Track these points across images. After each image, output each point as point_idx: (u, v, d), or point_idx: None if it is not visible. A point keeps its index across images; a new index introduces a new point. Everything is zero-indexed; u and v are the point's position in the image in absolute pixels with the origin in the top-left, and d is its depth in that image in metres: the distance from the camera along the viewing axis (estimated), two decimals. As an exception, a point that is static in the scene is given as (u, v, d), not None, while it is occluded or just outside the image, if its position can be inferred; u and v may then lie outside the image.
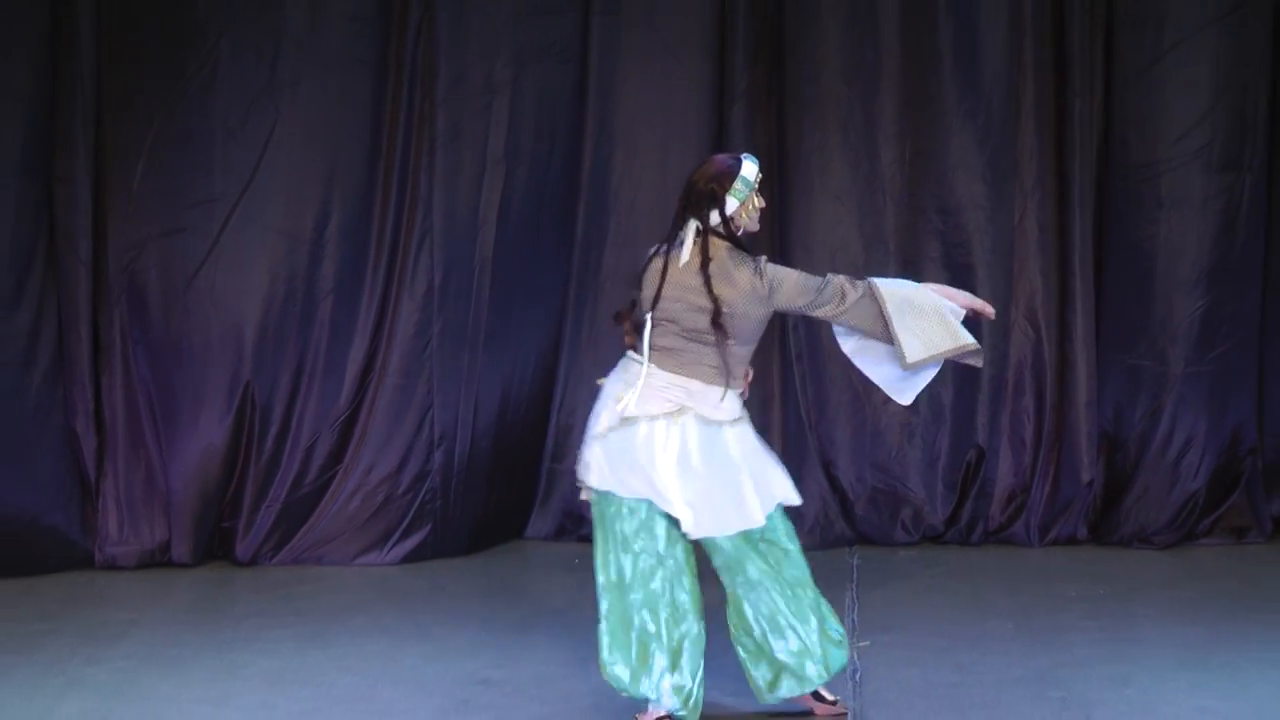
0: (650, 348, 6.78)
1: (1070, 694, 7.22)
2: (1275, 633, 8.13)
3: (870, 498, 10.10)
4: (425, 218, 9.63)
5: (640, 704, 6.90)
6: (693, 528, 6.69)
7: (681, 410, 6.71)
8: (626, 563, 6.76)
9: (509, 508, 10.11)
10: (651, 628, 6.74)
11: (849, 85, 9.95)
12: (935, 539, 10.09)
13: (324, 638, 8.20)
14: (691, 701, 6.80)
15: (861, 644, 7.94)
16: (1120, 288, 10.03)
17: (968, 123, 9.94)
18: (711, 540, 6.80)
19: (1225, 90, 9.85)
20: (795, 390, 9.98)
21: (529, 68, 9.76)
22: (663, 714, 6.78)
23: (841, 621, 7.04)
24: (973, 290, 9.91)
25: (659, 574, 6.76)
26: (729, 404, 6.79)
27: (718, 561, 6.86)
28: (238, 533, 9.67)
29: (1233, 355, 9.98)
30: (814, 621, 6.88)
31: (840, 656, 6.94)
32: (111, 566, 9.54)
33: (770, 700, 6.95)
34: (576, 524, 10.12)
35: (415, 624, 8.46)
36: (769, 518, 6.85)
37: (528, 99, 9.76)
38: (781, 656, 6.86)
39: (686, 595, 6.79)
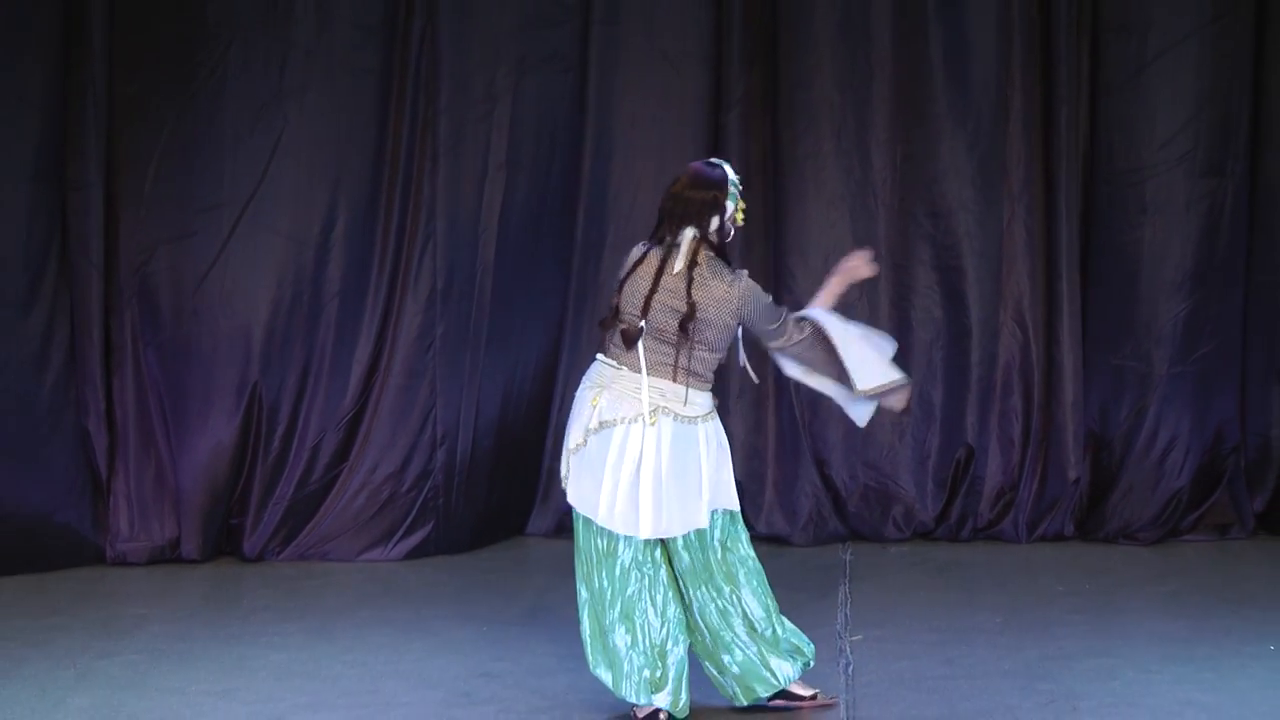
0: (617, 347, 6.84)
1: (1057, 686, 7.26)
2: (1257, 627, 8.18)
3: (862, 495, 10.16)
4: (429, 222, 9.68)
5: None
6: (648, 530, 6.73)
7: (656, 410, 6.75)
8: (604, 575, 6.82)
9: (510, 505, 10.16)
10: (628, 639, 6.80)
11: (842, 93, 10.02)
12: (926, 535, 10.16)
13: (329, 632, 8.24)
14: (681, 704, 6.86)
15: (854, 638, 8.00)
16: (1106, 290, 10.09)
17: (957, 129, 10.02)
18: (673, 547, 6.86)
19: (1208, 98, 9.92)
20: (789, 390, 10.02)
21: (529, 76, 9.82)
22: (655, 709, 6.84)
23: (803, 631, 7.07)
24: (962, 293, 10.08)
25: (636, 583, 6.81)
26: (700, 401, 6.84)
27: (677, 568, 6.90)
28: (245, 529, 9.72)
29: (1215, 356, 10.04)
30: (765, 633, 6.92)
31: (793, 667, 6.95)
32: (122, 562, 9.58)
33: (739, 704, 6.99)
34: (576, 521, 10.22)
35: (418, 619, 8.50)
36: (728, 523, 6.91)
37: (528, 107, 9.82)
38: (732, 669, 6.92)
39: (666, 599, 6.84)
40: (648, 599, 6.81)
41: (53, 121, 9.40)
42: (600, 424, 6.77)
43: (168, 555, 9.67)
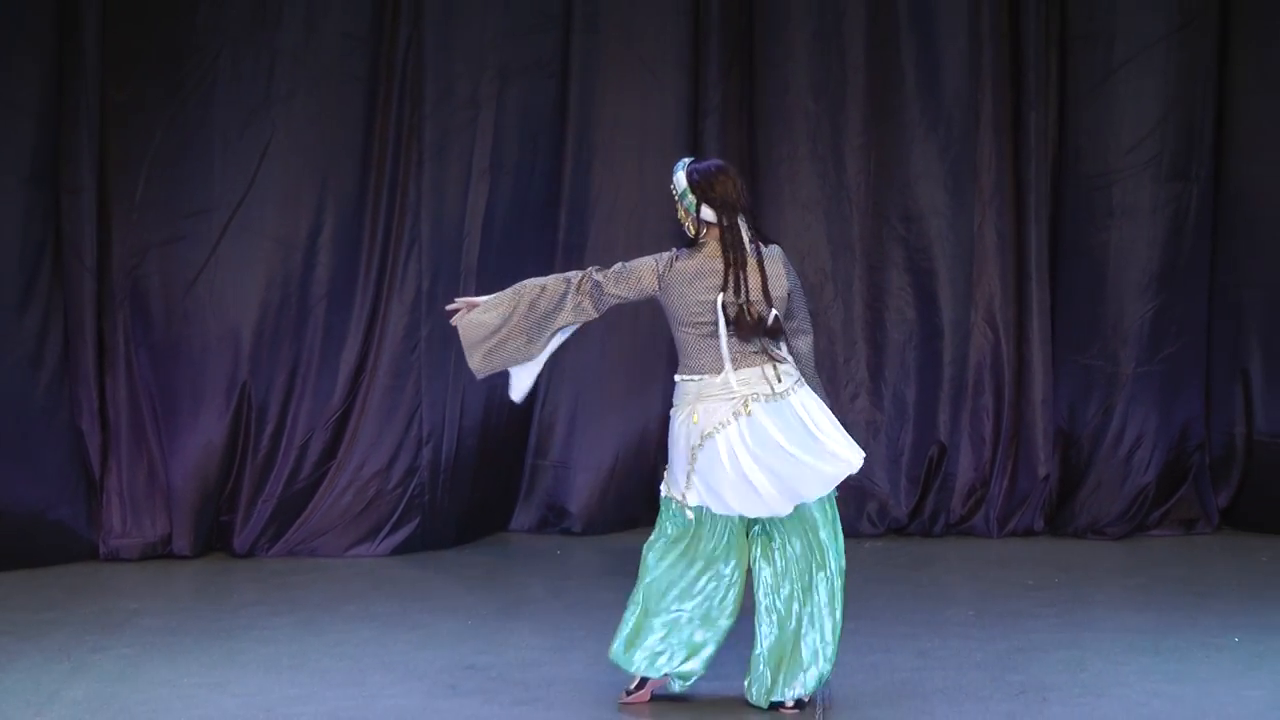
0: (692, 359, 6.86)
1: (1028, 677, 7.32)
2: (1222, 619, 8.26)
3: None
4: (414, 225, 9.74)
5: (622, 685, 7.03)
6: (783, 506, 6.78)
7: (745, 403, 6.78)
8: (673, 560, 6.90)
9: (493, 502, 10.22)
10: (662, 633, 6.90)
11: (817, 99, 10.10)
12: (899, 531, 10.23)
13: (318, 625, 8.29)
14: (691, 679, 6.96)
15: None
16: (1074, 291, 10.18)
17: (929, 135, 10.11)
18: (789, 534, 6.88)
19: (1174, 104, 10.00)
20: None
21: (513, 83, 9.88)
22: (656, 679, 6.96)
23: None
24: (934, 293, 10.15)
25: (702, 576, 6.91)
26: (783, 371, 6.85)
27: (789, 553, 6.89)
28: (235, 526, 9.76)
29: (1181, 355, 10.14)
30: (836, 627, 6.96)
31: (827, 669, 6.96)
32: (115, 558, 9.63)
33: (760, 702, 6.90)
34: (558, 517, 10.28)
35: (404, 613, 8.55)
36: (832, 506, 6.98)
37: (511, 112, 9.88)
38: (804, 654, 6.86)
39: (724, 609, 6.93)
40: (709, 605, 6.91)
41: (47, 126, 9.45)
42: (703, 438, 6.79)
43: (159, 551, 9.71)
